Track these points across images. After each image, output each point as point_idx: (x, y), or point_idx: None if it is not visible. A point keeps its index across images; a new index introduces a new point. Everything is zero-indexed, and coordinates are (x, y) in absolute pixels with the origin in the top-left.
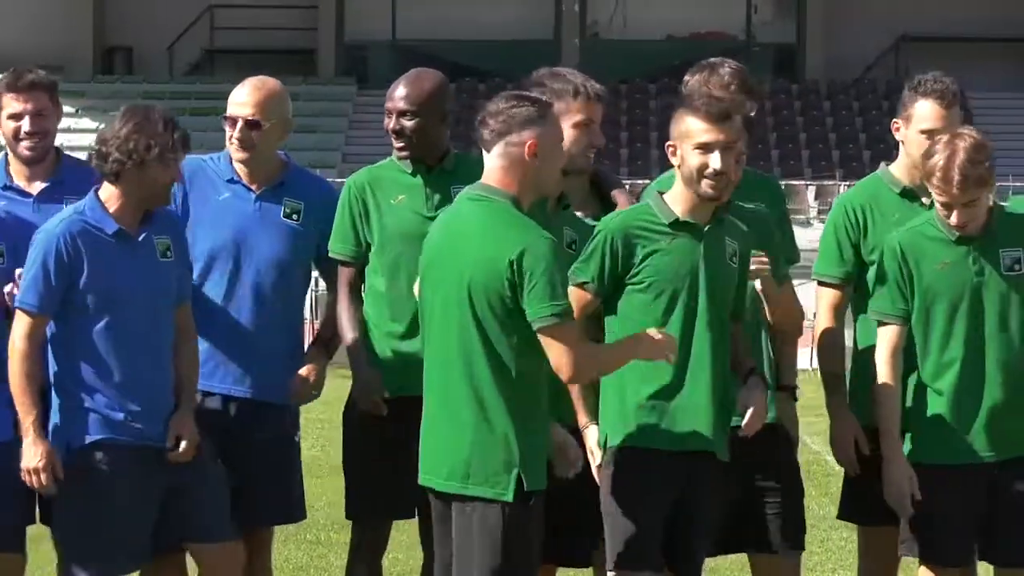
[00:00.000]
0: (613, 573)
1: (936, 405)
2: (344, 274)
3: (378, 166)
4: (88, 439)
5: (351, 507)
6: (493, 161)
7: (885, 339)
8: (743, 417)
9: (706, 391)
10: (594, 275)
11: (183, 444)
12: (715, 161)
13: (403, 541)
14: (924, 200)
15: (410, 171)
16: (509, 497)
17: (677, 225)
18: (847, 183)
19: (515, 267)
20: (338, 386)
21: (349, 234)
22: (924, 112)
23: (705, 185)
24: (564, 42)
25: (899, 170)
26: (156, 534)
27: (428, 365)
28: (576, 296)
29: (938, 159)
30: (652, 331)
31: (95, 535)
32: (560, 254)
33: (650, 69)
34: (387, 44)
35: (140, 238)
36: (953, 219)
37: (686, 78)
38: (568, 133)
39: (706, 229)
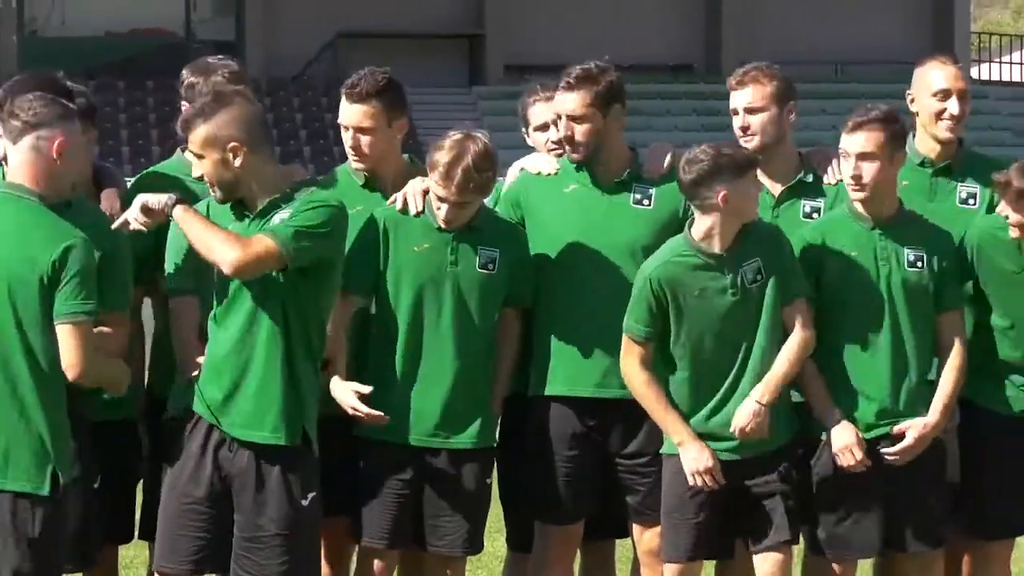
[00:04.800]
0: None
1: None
2: None
3: None
4: None
5: None
6: (20, 155)
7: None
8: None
9: None
10: None
11: None
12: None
13: None
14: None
15: None
16: (46, 491)
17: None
18: None
19: (57, 266)
20: None
21: None
22: (343, 110)
23: None
24: (2, 39)
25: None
26: None
27: None
28: None
29: (443, 157)
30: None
31: None
32: (93, 257)
33: (90, 66)
34: None
35: None
36: (443, 215)
37: (184, 74)
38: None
39: None
